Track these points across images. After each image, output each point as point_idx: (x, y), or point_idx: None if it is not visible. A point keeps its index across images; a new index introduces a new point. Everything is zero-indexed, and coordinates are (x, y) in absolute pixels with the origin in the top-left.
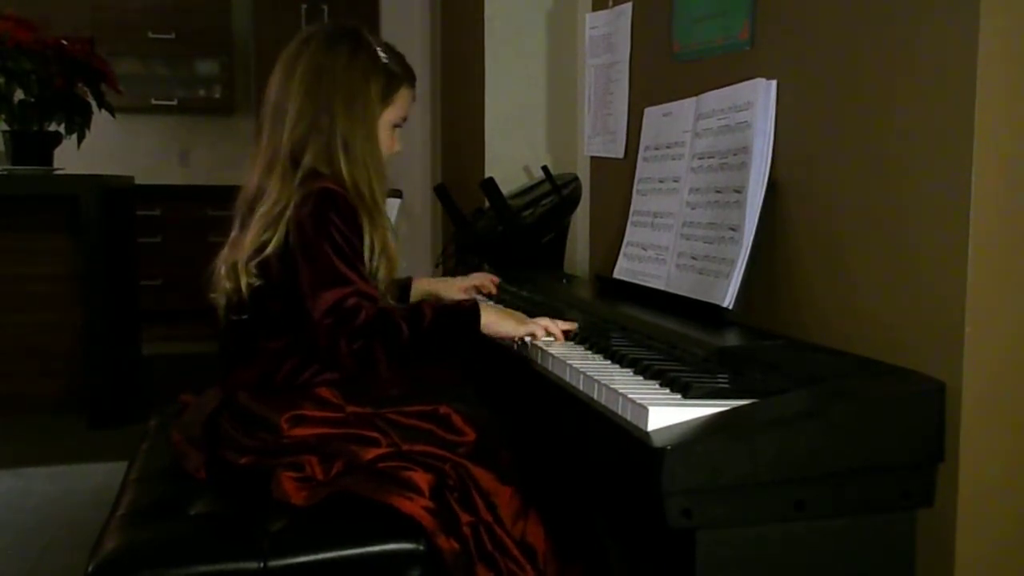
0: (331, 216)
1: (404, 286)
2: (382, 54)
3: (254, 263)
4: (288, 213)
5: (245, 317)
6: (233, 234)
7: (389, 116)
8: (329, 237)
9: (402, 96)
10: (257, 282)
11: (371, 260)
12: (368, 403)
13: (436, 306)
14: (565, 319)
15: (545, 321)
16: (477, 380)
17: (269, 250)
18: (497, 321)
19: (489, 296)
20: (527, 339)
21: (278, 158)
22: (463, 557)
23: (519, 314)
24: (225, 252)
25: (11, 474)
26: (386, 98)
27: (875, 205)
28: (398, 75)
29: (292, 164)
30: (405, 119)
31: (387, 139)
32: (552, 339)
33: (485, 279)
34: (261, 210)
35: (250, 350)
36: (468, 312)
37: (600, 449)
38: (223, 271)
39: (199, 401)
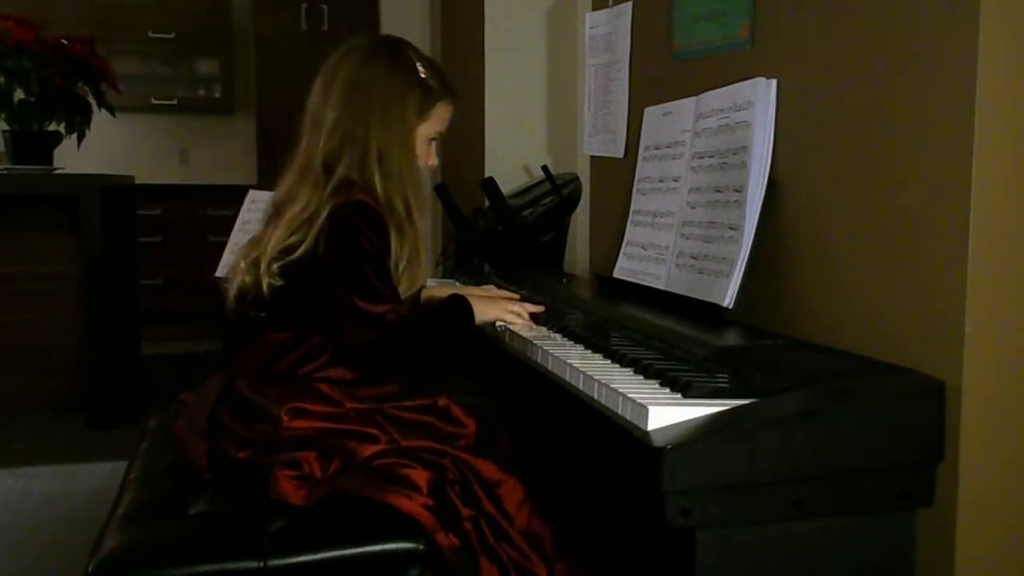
0: (365, 229)
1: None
2: (421, 68)
3: (278, 265)
4: (320, 220)
5: (263, 315)
6: (258, 232)
7: (426, 130)
8: (364, 252)
9: (440, 111)
10: (279, 283)
11: (396, 272)
12: (367, 400)
13: (437, 307)
14: (533, 303)
15: (516, 306)
16: (477, 376)
17: (297, 254)
18: (483, 311)
19: None
20: (504, 324)
21: (312, 167)
22: (464, 553)
23: (490, 290)
24: (246, 247)
25: (11, 474)
26: (423, 112)
27: (875, 204)
28: (436, 90)
29: (325, 173)
30: (443, 133)
31: (424, 153)
32: (522, 322)
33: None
34: (290, 213)
35: (254, 339)
36: (465, 310)
37: (600, 449)
38: (243, 266)
39: (201, 390)
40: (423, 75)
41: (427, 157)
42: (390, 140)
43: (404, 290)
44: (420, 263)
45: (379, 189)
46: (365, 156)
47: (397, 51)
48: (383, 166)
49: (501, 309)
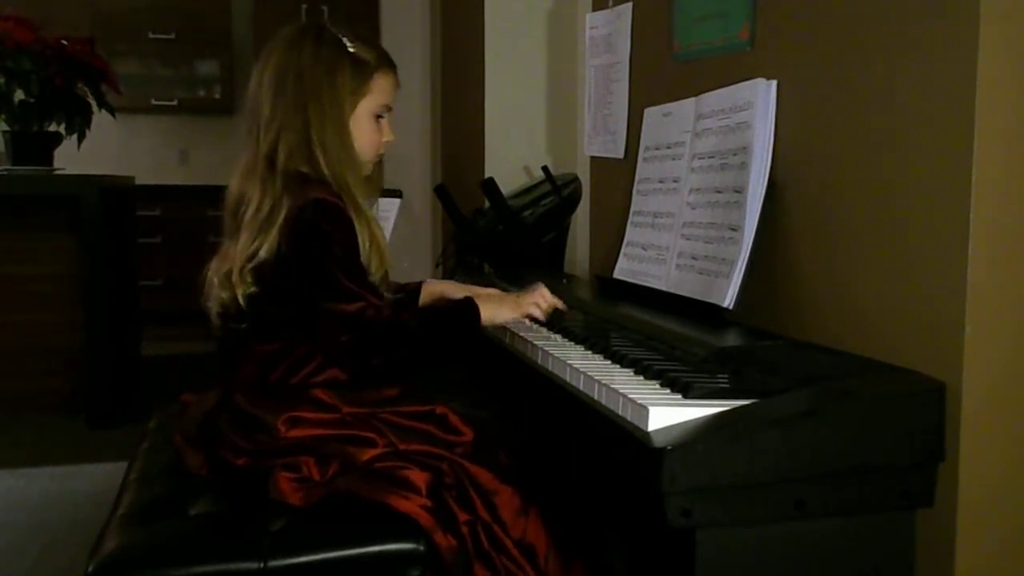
0: (328, 230)
1: (414, 290)
2: (349, 44)
3: (248, 270)
4: (278, 220)
5: (244, 326)
6: (223, 244)
7: (368, 105)
8: (331, 253)
9: (379, 83)
10: (253, 289)
11: (365, 255)
12: (365, 404)
13: (439, 308)
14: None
15: (537, 296)
16: (478, 381)
17: (262, 256)
18: (495, 311)
19: None
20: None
21: (256, 162)
22: (461, 555)
23: (511, 296)
24: (215, 262)
25: (11, 474)
26: (358, 89)
27: (875, 205)
28: (369, 63)
29: (269, 167)
30: (390, 107)
31: (370, 130)
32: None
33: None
34: (246, 217)
35: (245, 352)
36: (469, 310)
37: (600, 449)
38: (216, 281)
39: (199, 401)
40: (352, 50)
41: (379, 134)
42: (325, 124)
43: (375, 270)
44: (379, 243)
45: (328, 175)
46: (306, 144)
47: (322, 31)
48: (325, 152)
49: (516, 308)
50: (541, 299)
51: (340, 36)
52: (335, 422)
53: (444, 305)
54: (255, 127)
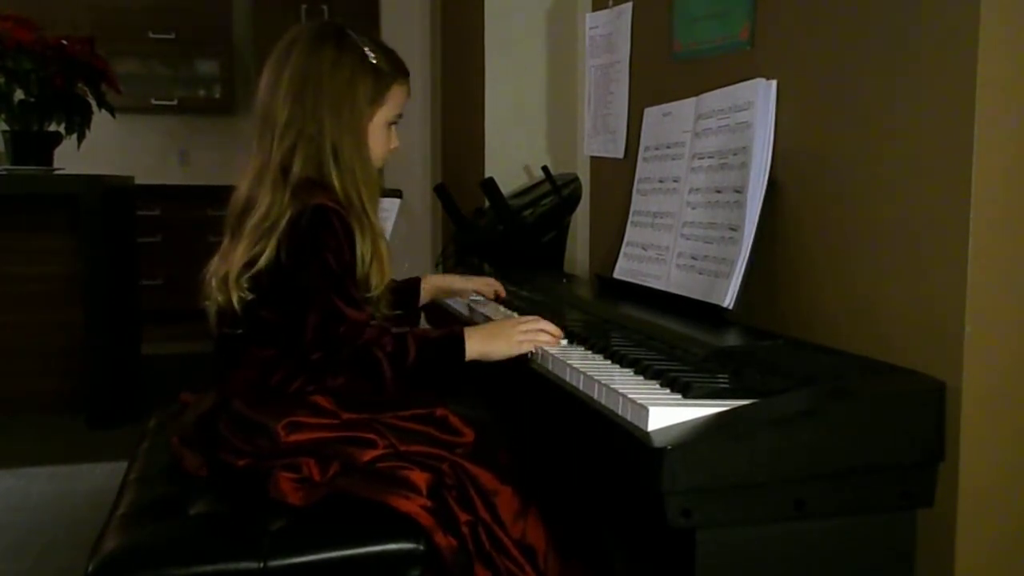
0: (325, 237)
1: (413, 285)
2: (370, 53)
3: (245, 277)
4: (281, 227)
5: (240, 332)
6: (224, 244)
7: (383, 116)
8: (322, 262)
9: (394, 94)
10: (249, 296)
11: (362, 269)
12: (364, 409)
13: (421, 338)
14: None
15: (541, 324)
16: (477, 381)
17: (261, 264)
18: (486, 346)
19: (497, 299)
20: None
21: (268, 167)
22: (461, 555)
23: (508, 324)
24: (216, 262)
25: (11, 474)
26: (376, 99)
27: (875, 205)
28: (387, 73)
29: (282, 174)
30: (401, 115)
31: (383, 138)
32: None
33: (491, 286)
34: (252, 222)
35: (242, 356)
36: (453, 343)
37: (600, 449)
38: (214, 283)
39: (196, 402)
40: (373, 60)
41: (388, 142)
42: (343, 135)
43: (375, 286)
44: (382, 258)
45: (336, 185)
46: (320, 153)
47: (343, 39)
48: (337, 162)
49: (510, 344)
50: (543, 335)
51: (362, 45)
52: (335, 426)
53: (432, 336)
54: (268, 133)
